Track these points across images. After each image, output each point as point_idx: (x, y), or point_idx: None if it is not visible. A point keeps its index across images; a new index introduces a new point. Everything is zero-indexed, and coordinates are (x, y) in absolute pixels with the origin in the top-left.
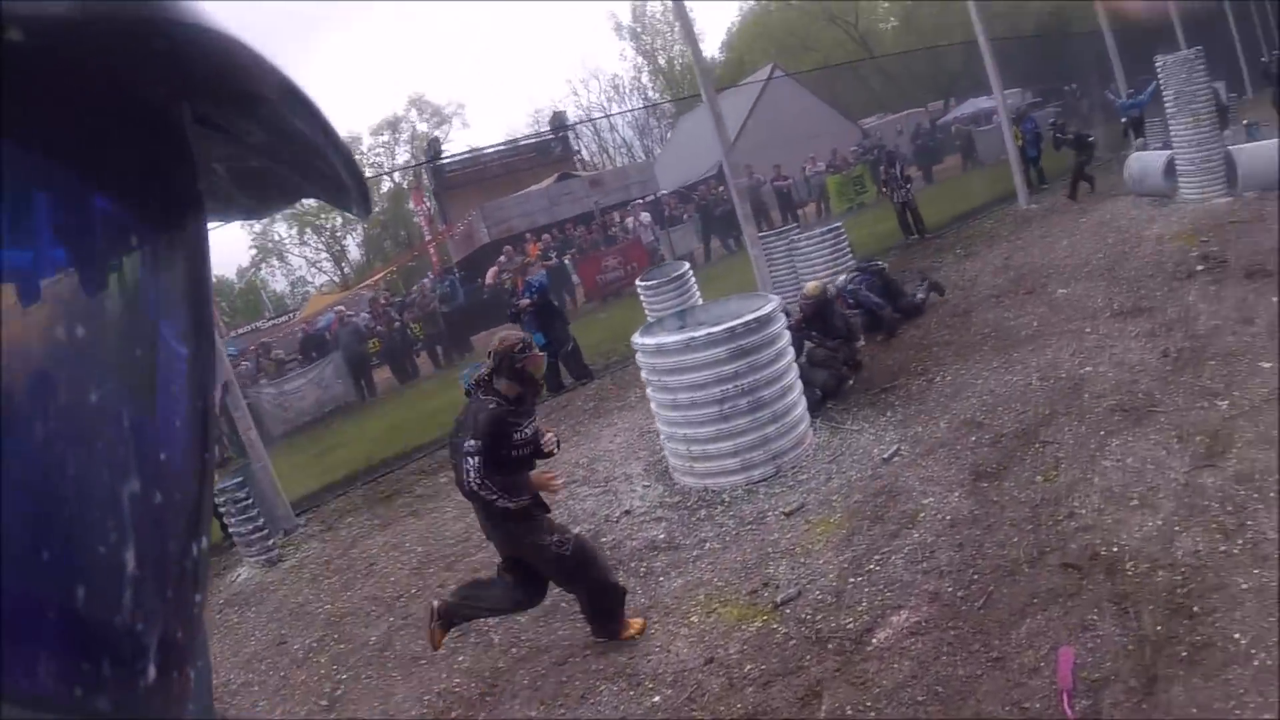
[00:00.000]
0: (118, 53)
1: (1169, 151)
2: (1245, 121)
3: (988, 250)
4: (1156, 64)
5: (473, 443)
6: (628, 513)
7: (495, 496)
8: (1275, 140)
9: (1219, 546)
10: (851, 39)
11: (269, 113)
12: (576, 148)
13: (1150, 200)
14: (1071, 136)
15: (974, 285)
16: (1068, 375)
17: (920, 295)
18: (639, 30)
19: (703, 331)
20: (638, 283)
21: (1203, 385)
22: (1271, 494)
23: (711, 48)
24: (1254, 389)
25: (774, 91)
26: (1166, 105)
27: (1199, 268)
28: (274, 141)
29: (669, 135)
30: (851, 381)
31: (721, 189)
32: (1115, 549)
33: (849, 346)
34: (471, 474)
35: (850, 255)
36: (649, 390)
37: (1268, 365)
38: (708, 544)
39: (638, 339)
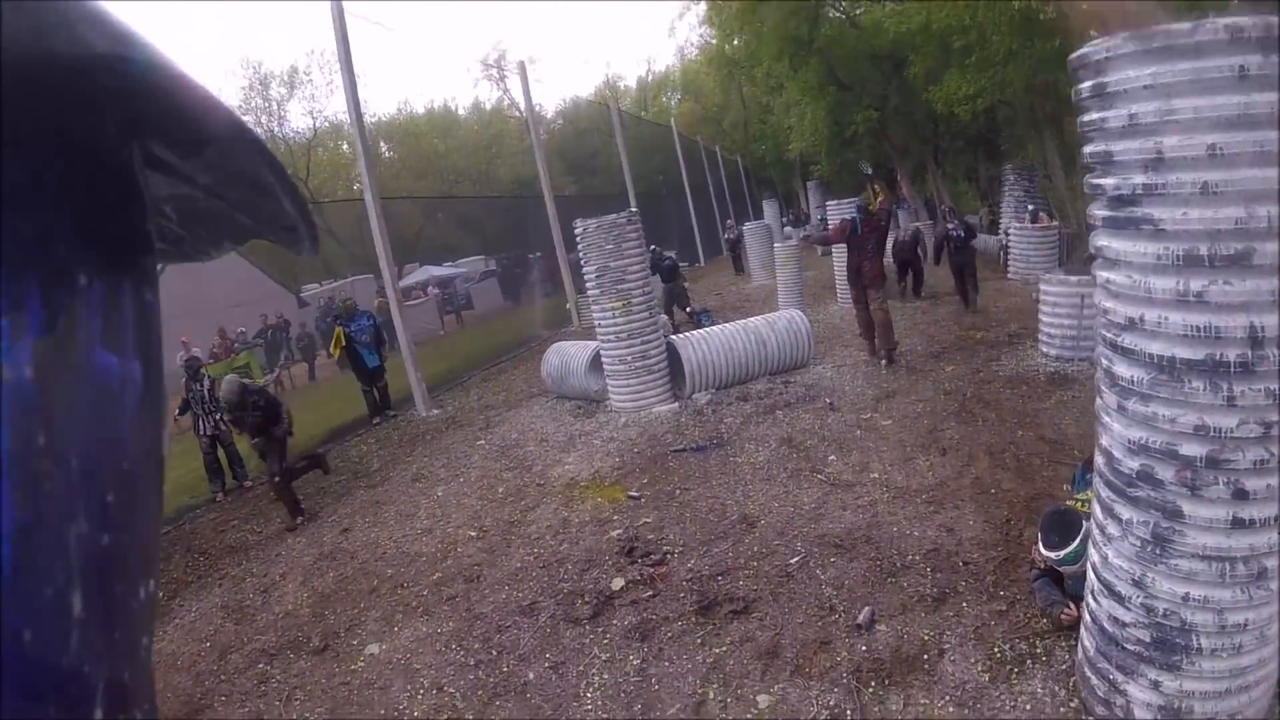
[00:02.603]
0: (67, 91)
1: (594, 344)
2: (689, 309)
3: (332, 510)
4: (575, 229)
5: None
6: None
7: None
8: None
9: None
10: None
11: (218, 153)
12: None
13: (574, 407)
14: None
15: (258, 615)
16: None
17: None
18: None
19: None
20: None
21: None
22: None
23: None
24: None
25: None
26: (589, 286)
27: (618, 583)
28: (223, 182)
29: None
30: None
31: None
32: None
33: None
34: None
35: None
36: None
37: None
38: None
39: None
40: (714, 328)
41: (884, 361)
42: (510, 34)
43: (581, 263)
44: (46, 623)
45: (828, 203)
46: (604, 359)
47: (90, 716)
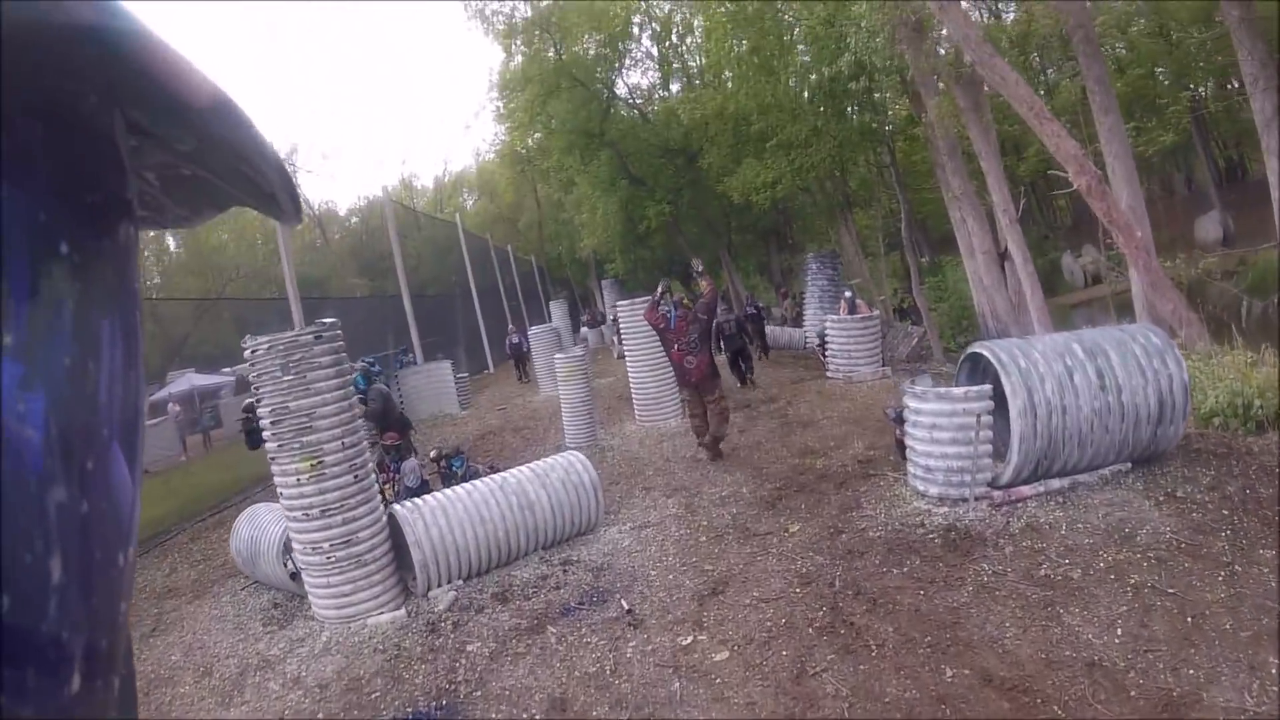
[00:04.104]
0: (49, 59)
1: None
2: (433, 452)
3: None
4: (244, 349)
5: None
6: None
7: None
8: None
9: None
10: None
11: (199, 120)
12: None
13: (271, 602)
14: None
15: None
16: None
17: None
18: None
19: None
20: None
21: None
22: None
23: None
24: None
25: None
26: (265, 436)
27: None
28: (204, 149)
29: None
30: None
31: None
32: None
33: None
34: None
35: None
36: None
37: None
38: None
39: None
40: (462, 486)
41: (704, 451)
42: (306, 130)
43: (255, 400)
44: (24, 589)
45: (619, 302)
46: (294, 545)
47: (69, 682)
